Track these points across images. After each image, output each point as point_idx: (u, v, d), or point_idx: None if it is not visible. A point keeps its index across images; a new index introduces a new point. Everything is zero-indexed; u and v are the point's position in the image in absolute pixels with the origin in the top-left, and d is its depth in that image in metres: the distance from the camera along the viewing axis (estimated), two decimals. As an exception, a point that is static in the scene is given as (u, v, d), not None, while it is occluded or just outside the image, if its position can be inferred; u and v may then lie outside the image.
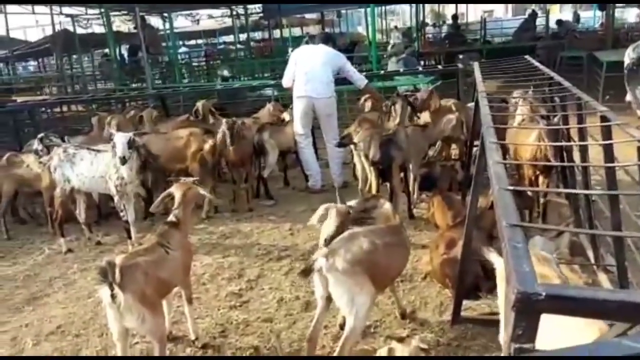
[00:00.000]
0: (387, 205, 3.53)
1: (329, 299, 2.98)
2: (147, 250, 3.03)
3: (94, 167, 4.94)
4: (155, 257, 2.99)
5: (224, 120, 6.15)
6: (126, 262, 2.81)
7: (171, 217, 3.33)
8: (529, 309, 1.12)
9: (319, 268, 2.86)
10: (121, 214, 5.00)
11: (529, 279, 1.16)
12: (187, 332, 3.55)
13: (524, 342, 1.15)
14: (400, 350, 2.50)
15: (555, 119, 4.04)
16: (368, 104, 7.09)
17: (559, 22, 16.76)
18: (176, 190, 3.52)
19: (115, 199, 4.96)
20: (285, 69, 6.84)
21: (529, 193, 4.49)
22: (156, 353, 2.92)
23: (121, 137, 4.69)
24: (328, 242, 3.34)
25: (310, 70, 6.41)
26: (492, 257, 2.92)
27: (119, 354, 2.93)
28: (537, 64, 4.92)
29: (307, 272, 2.94)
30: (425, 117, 6.29)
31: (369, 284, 2.88)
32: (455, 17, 19.01)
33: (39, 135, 5.82)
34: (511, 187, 1.79)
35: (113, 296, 2.70)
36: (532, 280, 1.15)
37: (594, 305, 1.07)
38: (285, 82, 6.78)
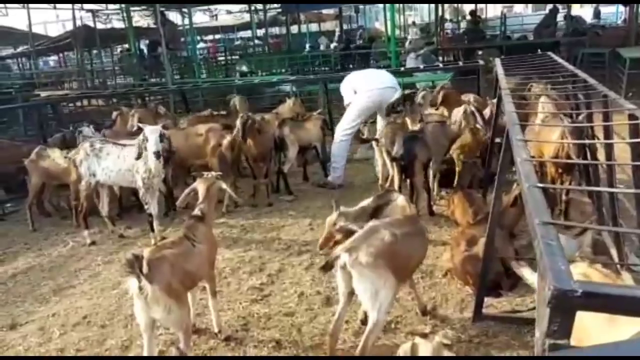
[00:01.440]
0: (400, 198, 3.57)
1: (350, 295, 3.01)
2: (174, 243, 3.09)
3: (120, 160, 5.01)
4: (181, 250, 3.04)
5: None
6: (153, 254, 2.86)
7: (196, 211, 3.38)
8: (565, 306, 1.13)
9: (342, 264, 2.88)
10: (145, 207, 5.06)
11: (564, 276, 1.17)
12: (209, 324, 3.60)
13: (558, 337, 1.16)
14: (424, 345, 2.52)
15: (580, 117, 4.00)
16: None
17: (570, 18, 16.37)
18: (200, 185, 3.58)
19: (141, 192, 5.03)
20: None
21: (551, 190, 4.46)
22: (181, 344, 2.97)
23: (153, 132, 4.61)
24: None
25: (380, 72, 6.82)
26: (527, 274, 2.92)
27: (145, 344, 2.99)
28: (560, 60, 4.87)
29: (327, 267, 2.98)
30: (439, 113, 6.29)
31: (392, 277, 2.91)
32: (473, 12, 18.78)
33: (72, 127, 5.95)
34: (541, 185, 1.80)
35: (140, 288, 2.75)
36: (567, 277, 1.16)
37: (631, 304, 1.08)
38: (348, 97, 6.61)
